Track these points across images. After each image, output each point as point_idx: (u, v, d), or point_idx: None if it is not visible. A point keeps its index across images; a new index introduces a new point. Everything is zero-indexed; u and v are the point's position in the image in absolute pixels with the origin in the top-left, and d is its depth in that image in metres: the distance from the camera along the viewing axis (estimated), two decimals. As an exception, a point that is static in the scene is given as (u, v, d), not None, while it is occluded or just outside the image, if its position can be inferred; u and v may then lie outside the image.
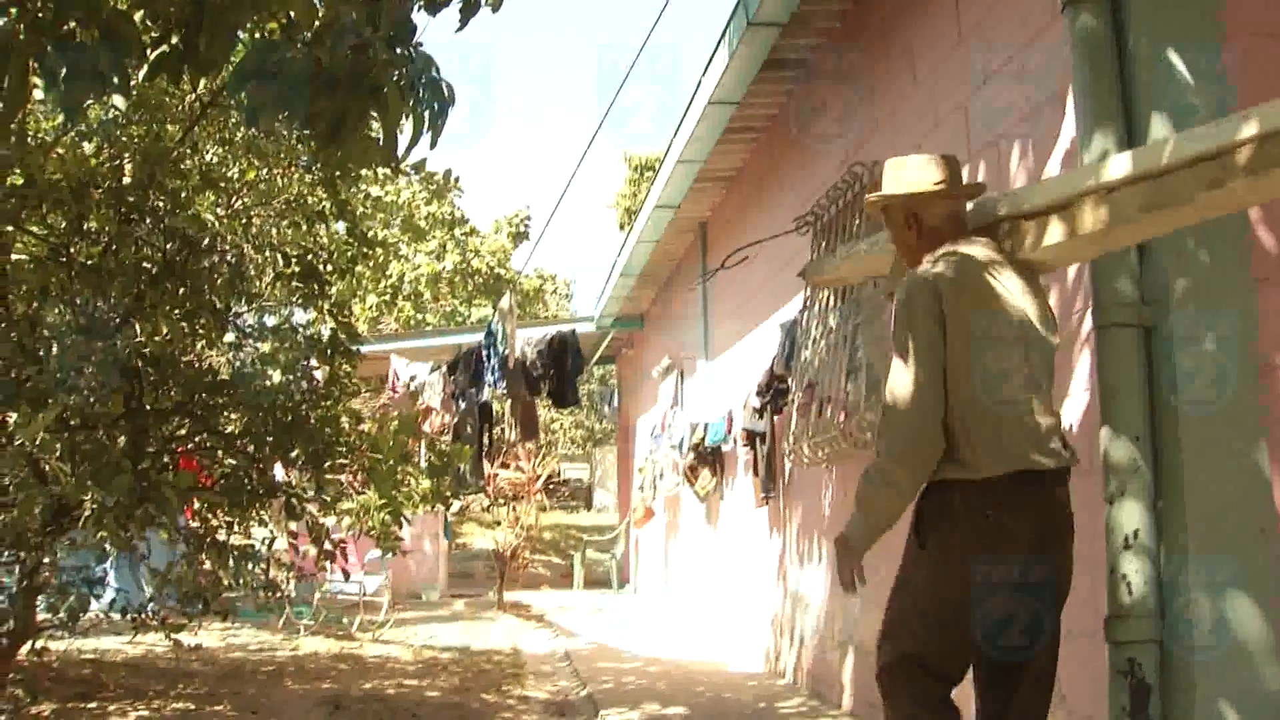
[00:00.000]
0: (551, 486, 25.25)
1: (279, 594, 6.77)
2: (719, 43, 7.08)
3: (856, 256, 4.12)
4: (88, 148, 5.76)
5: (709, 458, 9.80)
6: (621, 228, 26.97)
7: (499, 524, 18.22)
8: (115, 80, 2.83)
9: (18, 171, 5.31)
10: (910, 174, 3.40)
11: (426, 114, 3.05)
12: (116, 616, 6.37)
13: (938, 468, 3.09)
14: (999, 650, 3.06)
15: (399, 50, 2.98)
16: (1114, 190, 2.96)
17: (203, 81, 5.43)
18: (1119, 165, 2.97)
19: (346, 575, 8.09)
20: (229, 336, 6.17)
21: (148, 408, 5.93)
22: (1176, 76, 3.35)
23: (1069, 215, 3.13)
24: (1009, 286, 3.19)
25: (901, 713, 3.17)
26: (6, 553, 5.65)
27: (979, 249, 3.26)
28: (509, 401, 13.62)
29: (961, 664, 3.17)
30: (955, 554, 3.05)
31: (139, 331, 5.83)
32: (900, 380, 3.15)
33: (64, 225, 5.76)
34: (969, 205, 3.45)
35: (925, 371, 3.10)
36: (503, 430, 14.41)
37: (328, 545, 6.58)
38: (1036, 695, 3.14)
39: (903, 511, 3.18)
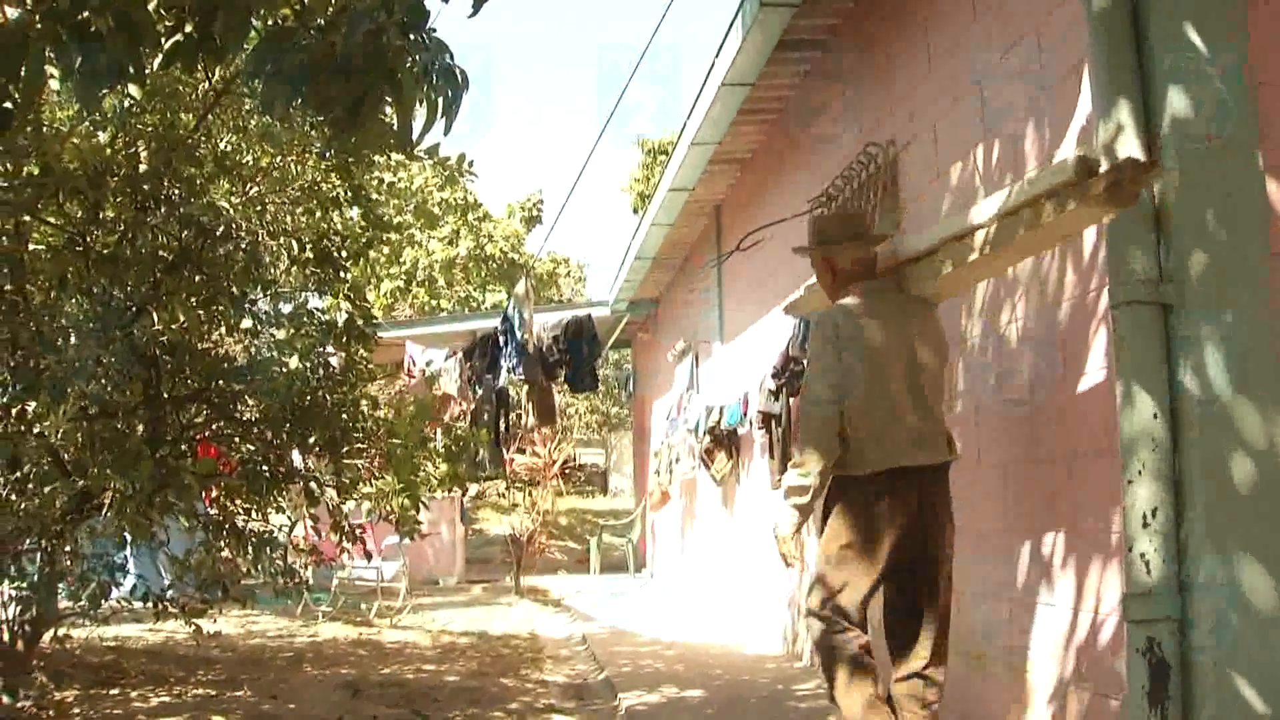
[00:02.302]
0: (567, 471, 25.29)
1: (297, 580, 6.80)
2: (732, 24, 7.05)
3: (819, 291, 4.62)
4: (102, 137, 5.77)
5: (725, 441, 9.80)
6: (635, 211, 26.93)
7: (517, 506, 18.28)
8: (131, 70, 2.84)
9: (34, 161, 5.33)
10: (827, 230, 4.34)
11: (440, 100, 3.05)
12: (138, 604, 6.42)
13: (837, 465, 3.97)
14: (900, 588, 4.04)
15: (412, 36, 2.97)
16: (963, 238, 3.92)
17: (217, 69, 5.43)
18: (957, 222, 3.98)
19: (369, 556, 8.14)
20: (246, 323, 6.19)
21: (165, 395, 5.96)
22: (1194, 52, 3.32)
23: (938, 260, 4.06)
24: (898, 320, 4.07)
25: (824, 643, 4.03)
26: (29, 541, 5.69)
27: (877, 289, 4.19)
28: (525, 387, 13.64)
29: (861, 598, 3.95)
30: (855, 525, 3.95)
31: (156, 319, 5.85)
32: (808, 396, 4.09)
33: (80, 214, 5.78)
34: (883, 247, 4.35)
35: (826, 390, 4.00)
36: (519, 416, 14.44)
37: (346, 528, 6.63)
38: (941, 629, 4.02)
39: (818, 496, 4.03)
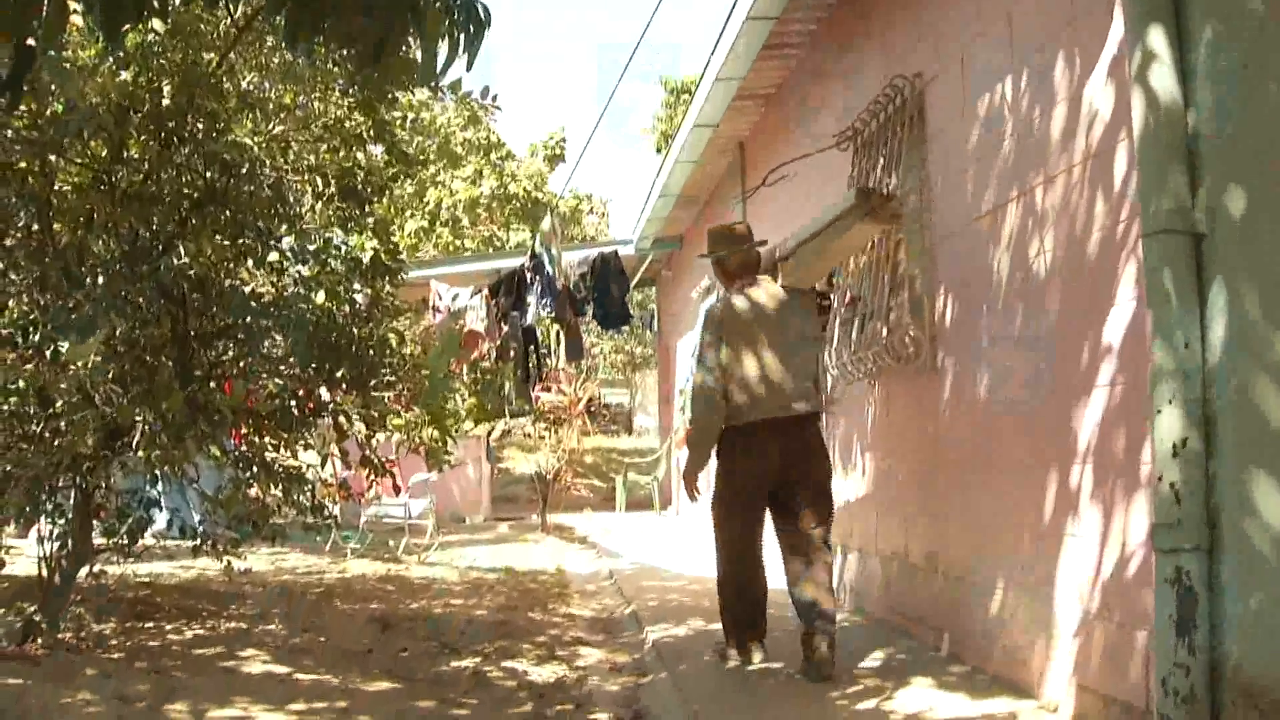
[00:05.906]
0: (592, 410, 25.36)
1: (327, 516, 6.87)
2: (757, -44, 6.97)
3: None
4: (125, 75, 5.76)
5: (749, 378, 9.80)
6: (658, 151, 26.74)
7: (544, 440, 18.36)
8: (154, 3, 2.82)
9: (58, 99, 5.33)
10: (715, 242, 5.66)
11: (462, 36, 3.03)
12: (173, 540, 6.47)
13: (727, 418, 5.22)
14: (778, 508, 5.38)
15: (434, -29, 2.94)
16: (806, 242, 5.75)
17: (239, 6, 5.40)
18: (807, 230, 5.82)
19: (398, 490, 8.22)
20: (272, 257, 6.18)
21: (193, 332, 6.00)
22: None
23: (796, 259, 5.70)
24: (772, 306, 5.30)
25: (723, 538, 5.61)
26: (63, 477, 5.75)
27: (756, 284, 5.42)
28: (554, 326, 13.63)
29: (756, 516, 5.40)
30: (734, 463, 5.33)
31: (183, 255, 5.88)
32: (700, 369, 5.33)
33: (105, 153, 5.78)
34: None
35: (712, 363, 5.25)
36: (546, 352, 14.43)
37: (375, 461, 6.68)
38: (820, 543, 5.29)
39: (712, 447, 5.37)
